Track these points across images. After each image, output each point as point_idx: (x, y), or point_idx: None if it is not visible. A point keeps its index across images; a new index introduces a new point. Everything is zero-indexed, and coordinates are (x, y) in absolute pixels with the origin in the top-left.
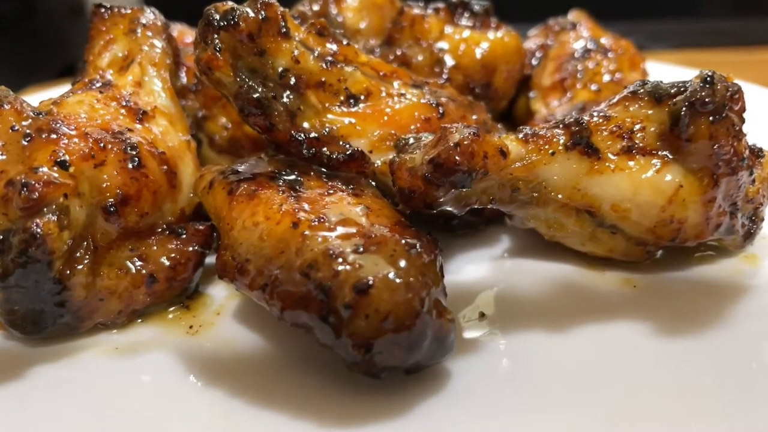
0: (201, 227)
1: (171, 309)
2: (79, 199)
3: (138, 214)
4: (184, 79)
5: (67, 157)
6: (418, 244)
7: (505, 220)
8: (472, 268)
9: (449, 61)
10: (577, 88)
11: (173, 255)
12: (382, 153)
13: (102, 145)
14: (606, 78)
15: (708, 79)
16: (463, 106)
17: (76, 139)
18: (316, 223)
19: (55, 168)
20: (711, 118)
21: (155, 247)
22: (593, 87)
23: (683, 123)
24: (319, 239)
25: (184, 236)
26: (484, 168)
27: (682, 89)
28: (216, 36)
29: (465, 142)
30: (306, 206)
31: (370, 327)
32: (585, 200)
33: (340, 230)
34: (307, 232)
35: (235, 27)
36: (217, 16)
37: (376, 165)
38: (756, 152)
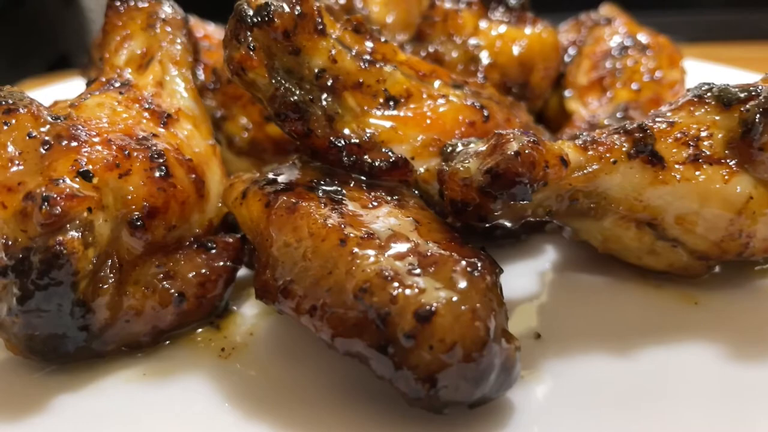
0: (231, 240)
1: (200, 330)
2: (103, 213)
3: (165, 227)
4: (201, 77)
5: (90, 167)
6: (479, 264)
7: (545, 228)
8: (518, 283)
9: (485, 58)
10: (617, 88)
11: (203, 271)
12: (425, 159)
13: (126, 152)
14: (646, 77)
15: None
16: (506, 107)
17: (98, 147)
18: (366, 239)
19: (78, 179)
20: None
21: (183, 263)
22: (634, 86)
23: (756, 131)
24: (371, 258)
25: (214, 251)
26: (544, 178)
27: (753, 93)
28: (249, 33)
29: (526, 151)
30: (351, 220)
31: (434, 359)
32: (647, 212)
33: (392, 247)
34: (356, 250)
35: (270, 24)
36: (251, 12)
37: (419, 172)
38: None
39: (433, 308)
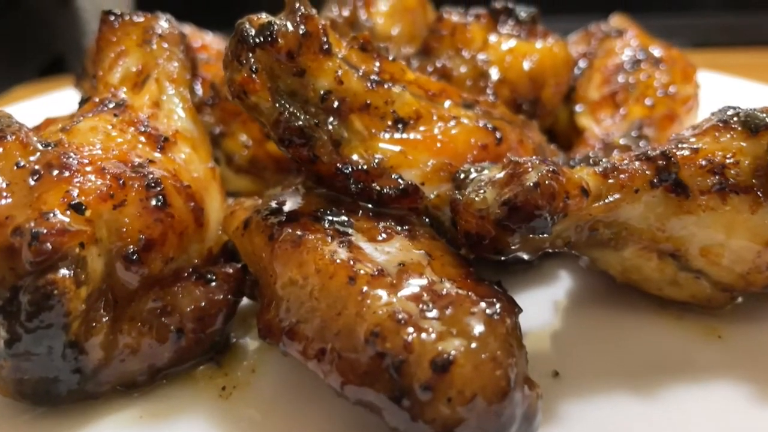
0: (231, 270)
1: (199, 367)
2: (96, 247)
3: (163, 260)
4: (199, 92)
5: (82, 198)
6: (498, 306)
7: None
8: (532, 313)
9: (495, 74)
10: (630, 104)
11: (202, 304)
12: (435, 185)
13: (121, 181)
14: (659, 92)
15: None
16: (518, 128)
17: (91, 176)
18: (376, 276)
19: (69, 212)
20: None
21: (181, 296)
22: (647, 101)
23: None
24: (383, 299)
25: (214, 282)
26: (564, 210)
27: None
28: (251, 55)
29: (546, 182)
30: (361, 255)
31: (453, 412)
32: (670, 242)
33: (405, 286)
34: (366, 289)
35: (273, 44)
36: (252, 32)
37: (429, 198)
38: None
39: (450, 357)
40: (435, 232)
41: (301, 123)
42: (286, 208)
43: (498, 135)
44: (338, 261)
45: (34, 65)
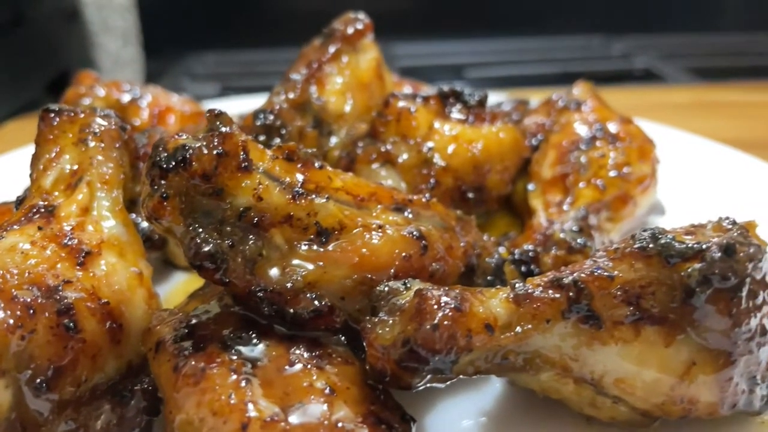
0: (149, 387)
1: None
2: (3, 380)
3: (74, 383)
4: None
5: None
6: None
7: None
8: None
9: (438, 161)
10: (579, 188)
11: (114, 425)
12: (357, 299)
13: (32, 311)
14: (612, 173)
15: (728, 249)
16: (449, 231)
17: (1, 303)
18: (269, 421)
19: None
20: (731, 296)
21: (94, 417)
22: (599, 183)
23: (698, 299)
24: None
25: (131, 401)
26: (468, 348)
27: (697, 250)
28: (163, 181)
29: (445, 323)
30: (260, 391)
31: None
32: (584, 371)
33: (297, 430)
34: None
35: (187, 168)
36: (165, 156)
37: (349, 313)
38: None
39: None
40: (351, 353)
41: (209, 249)
42: (200, 330)
43: (423, 243)
44: (233, 402)
45: (41, 80)
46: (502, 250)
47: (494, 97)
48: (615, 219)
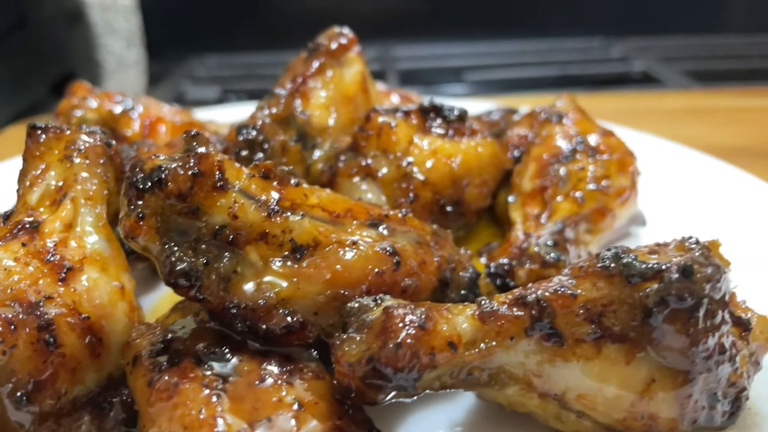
0: (128, 399)
1: None
2: None
3: (54, 396)
4: None
5: None
6: None
7: None
8: None
9: (417, 175)
10: (557, 201)
11: None
12: (330, 314)
13: (13, 327)
14: (591, 186)
15: (686, 270)
16: (424, 246)
17: None
18: None
19: None
20: (688, 316)
21: (74, 429)
22: (577, 195)
23: (656, 319)
24: None
25: (110, 413)
26: (431, 365)
27: (657, 270)
28: (140, 201)
29: (408, 341)
30: (229, 407)
31: None
32: (548, 386)
33: None
34: None
35: (162, 188)
36: (141, 176)
37: (322, 329)
38: (744, 324)
39: None
40: (323, 368)
41: (184, 267)
42: (175, 344)
43: (396, 260)
44: (203, 418)
45: (45, 81)
46: (483, 261)
47: (484, 105)
48: (594, 231)
